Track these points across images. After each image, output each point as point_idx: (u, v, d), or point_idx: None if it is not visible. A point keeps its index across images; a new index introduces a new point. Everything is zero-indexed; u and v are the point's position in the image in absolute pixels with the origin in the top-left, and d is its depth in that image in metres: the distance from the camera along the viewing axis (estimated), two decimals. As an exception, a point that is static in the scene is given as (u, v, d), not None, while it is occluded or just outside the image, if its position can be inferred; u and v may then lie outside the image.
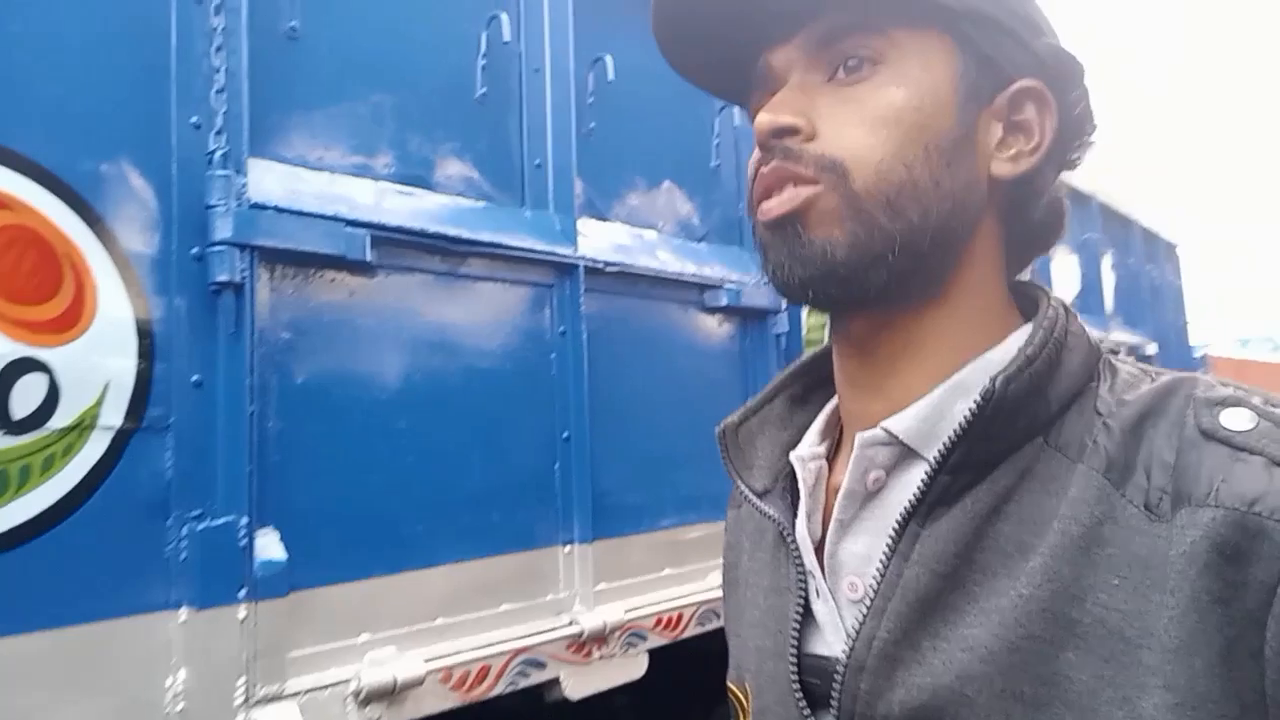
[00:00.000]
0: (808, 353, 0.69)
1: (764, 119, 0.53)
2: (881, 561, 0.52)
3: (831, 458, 0.62)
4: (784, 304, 2.55)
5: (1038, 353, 0.51)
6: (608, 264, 2.10)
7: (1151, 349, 5.32)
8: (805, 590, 0.57)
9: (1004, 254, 0.58)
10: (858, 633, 0.52)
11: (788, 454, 0.62)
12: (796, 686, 0.55)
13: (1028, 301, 0.58)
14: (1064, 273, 4.46)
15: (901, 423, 0.54)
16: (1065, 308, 0.55)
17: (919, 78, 0.53)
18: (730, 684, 0.65)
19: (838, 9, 0.53)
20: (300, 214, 1.57)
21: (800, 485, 0.59)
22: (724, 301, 2.39)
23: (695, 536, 2.30)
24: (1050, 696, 0.45)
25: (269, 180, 1.58)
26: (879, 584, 0.52)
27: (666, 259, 2.29)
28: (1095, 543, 0.46)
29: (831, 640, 0.55)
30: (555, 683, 1.87)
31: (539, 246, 1.95)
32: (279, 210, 1.55)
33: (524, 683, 1.81)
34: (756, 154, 0.55)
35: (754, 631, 0.62)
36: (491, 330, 1.90)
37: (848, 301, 0.54)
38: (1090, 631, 0.45)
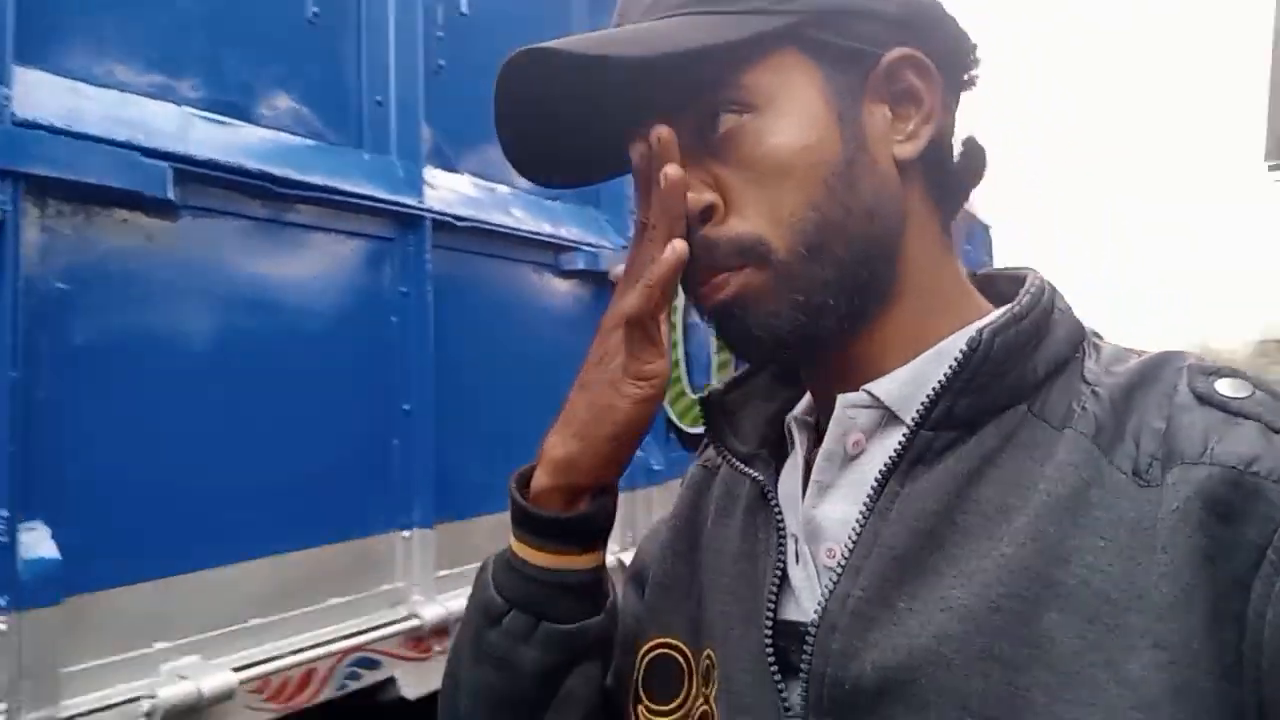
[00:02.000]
0: None
1: (692, 200, 0.52)
2: (859, 520, 0.51)
3: (817, 431, 0.60)
4: (641, 270, 2.43)
5: (1025, 313, 0.51)
6: (458, 218, 1.89)
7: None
8: (784, 554, 0.55)
9: (940, 231, 0.57)
10: (831, 592, 0.50)
11: (771, 423, 0.62)
12: (770, 652, 0.53)
13: (1005, 284, 0.57)
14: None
15: (883, 386, 0.54)
16: (1051, 284, 0.55)
17: (791, 111, 0.52)
18: (673, 639, 0.63)
19: (679, 94, 0.52)
20: (82, 137, 1.28)
21: (796, 444, 0.59)
22: (581, 265, 2.24)
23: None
24: (1031, 658, 0.44)
25: (41, 94, 1.28)
26: (855, 543, 0.51)
27: (521, 217, 2.11)
28: (1081, 505, 0.46)
29: (807, 606, 0.53)
30: (391, 682, 1.69)
31: (380, 195, 1.73)
32: (53, 131, 1.26)
33: (354, 685, 1.61)
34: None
35: (722, 598, 0.60)
36: (320, 288, 1.66)
37: (811, 348, 0.55)
38: (1074, 593, 0.44)
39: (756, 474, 0.59)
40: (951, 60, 0.56)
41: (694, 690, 0.60)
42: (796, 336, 0.52)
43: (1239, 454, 0.44)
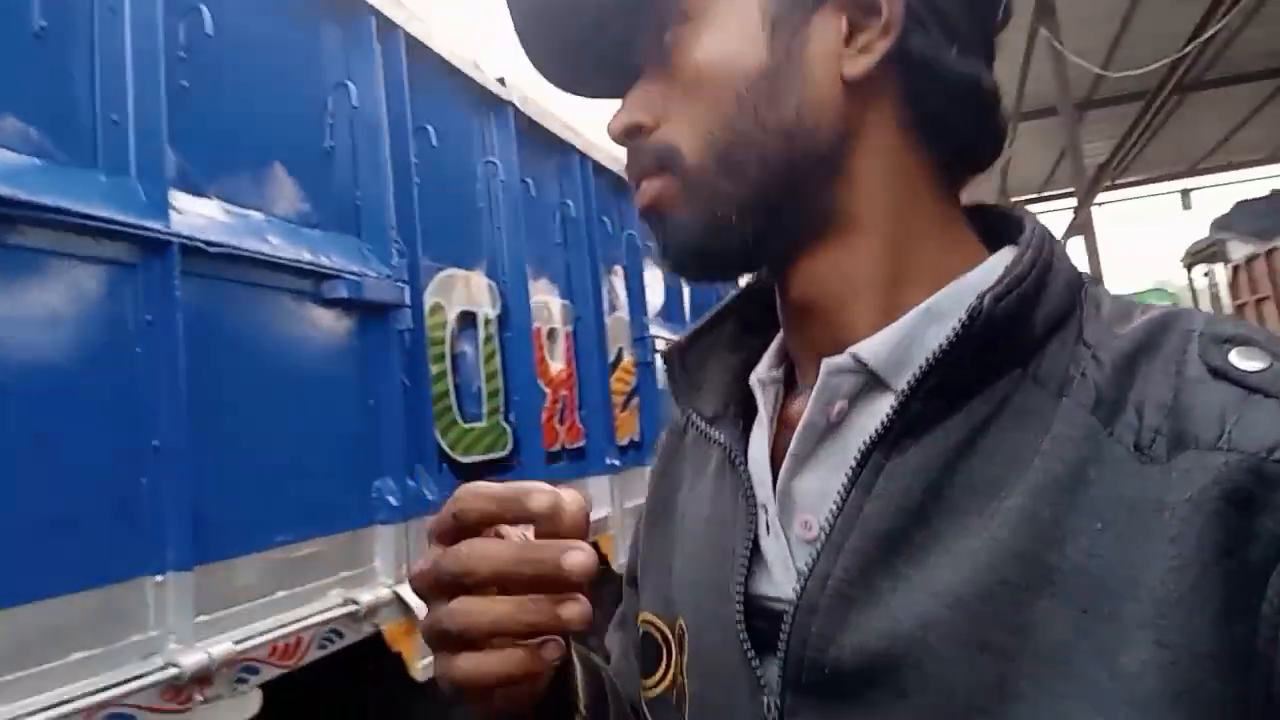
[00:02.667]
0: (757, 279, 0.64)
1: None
2: (840, 495, 0.47)
3: (786, 386, 0.58)
4: (407, 298, 2.43)
5: (1027, 271, 0.47)
6: (209, 244, 1.81)
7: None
8: (755, 525, 0.52)
9: (922, 170, 0.52)
10: (811, 570, 0.47)
11: (738, 378, 0.59)
12: (743, 629, 0.50)
13: (1006, 226, 0.53)
14: (650, 285, 4.81)
15: (871, 348, 0.50)
16: (1047, 229, 0.51)
17: (721, 22, 0.50)
18: (650, 615, 0.60)
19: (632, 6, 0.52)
20: None
21: (761, 409, 0.56)
22: (343, 293, 2.20)
23: (311, 553, 2.08)
24: (1020, 647, 0.41)
25: None
26: (836, 518, 0.47)
27: (278, 244, 2.05)
28: (1079, 483, 0.43)
29: (780, 580, 0.50)
30: (146, 739, 1.56)
31: (119, 218, 1.62)
32: None
33: (103, 746, 1.48)
34: None
35: (692, 565, 0.57)
36: (53, 317, 1.54)
37: (726, 268, 0.54)
38: (1068, 579, 0.41)
39: (723, 439, 0.56)
40: None
41: (673, 660, 0.57)
42: (702, 244, 0.51)
43: (1259, 439, 0.40)
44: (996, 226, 0.54)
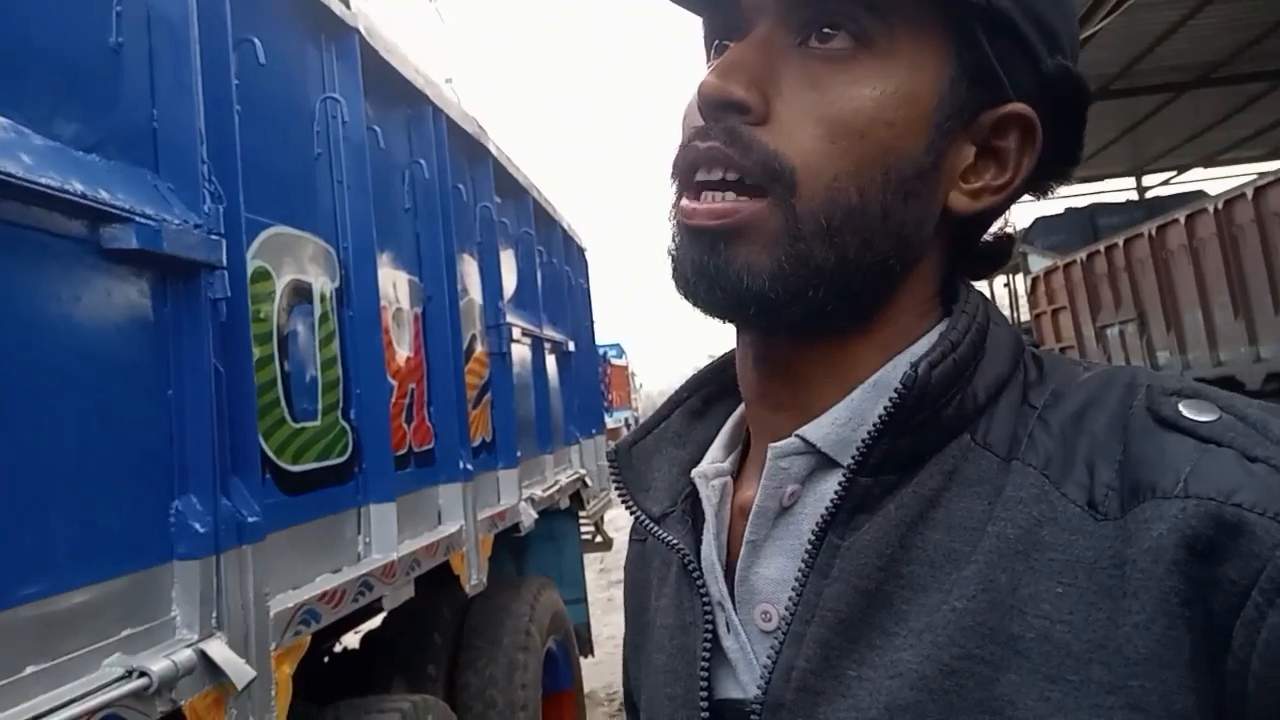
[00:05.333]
0: (706, 363, 0.64)
1: (712, 85, 0.48)
2: (798, 581, 0.48)
3: (737, 475, 0.58)
4: (224, 258, 1.82)
5: (961, 337, 0.48)
6: (-88, 147, 1.18)
7: (571, 346, 5.54)
8: (713, 625, 0.52)
9: (940, 278, 0.54)
10: (774, 664, 0.48)
11: (685, 474, 0.58)
12: None
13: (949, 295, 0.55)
14: (505, 267, 4.31)
15: (819, 429, 0.51)
16: (984, 296, 0.52)
17: (902, 82, 0.47)
18: None
19: None
20: None
21: (705, 505, 0.56)
22: (133, 242, 1.58)
23: (77, 605, 1.46)
24: None
25: None
26: (795, 607, 0.48)
27: (32, 165, 1.41)
28: (1034, 547, 0.44)
29: (745, 680, 0.50)
30: None
31: None
32: None
33: None
34: (695, 109, 0.50)
35: (663, 679, 0.56)
36: None
37: (761, 329, 0.52)
38: (1033, 648, 0.42)
39: (672, 539, 0.56)
40: (1053, 153, 0.52)
41: None
42: (762, 304, 0.48)
43: (1217, 485, 0.41)
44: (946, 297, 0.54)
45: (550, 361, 5.08)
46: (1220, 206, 7.98)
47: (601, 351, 8.26)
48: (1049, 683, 0.41)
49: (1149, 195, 16.61)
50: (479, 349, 3.75)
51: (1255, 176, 7.87)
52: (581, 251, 6.59)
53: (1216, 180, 16.19)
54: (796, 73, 0.48)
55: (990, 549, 0.44)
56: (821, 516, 0.48)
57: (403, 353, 2.99)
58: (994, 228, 0.56)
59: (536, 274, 4.86)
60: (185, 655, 1.60)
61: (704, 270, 0.48)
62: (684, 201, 0.49)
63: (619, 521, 8.93)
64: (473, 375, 3.61)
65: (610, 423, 11.33)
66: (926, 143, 0.48)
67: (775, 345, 0.53)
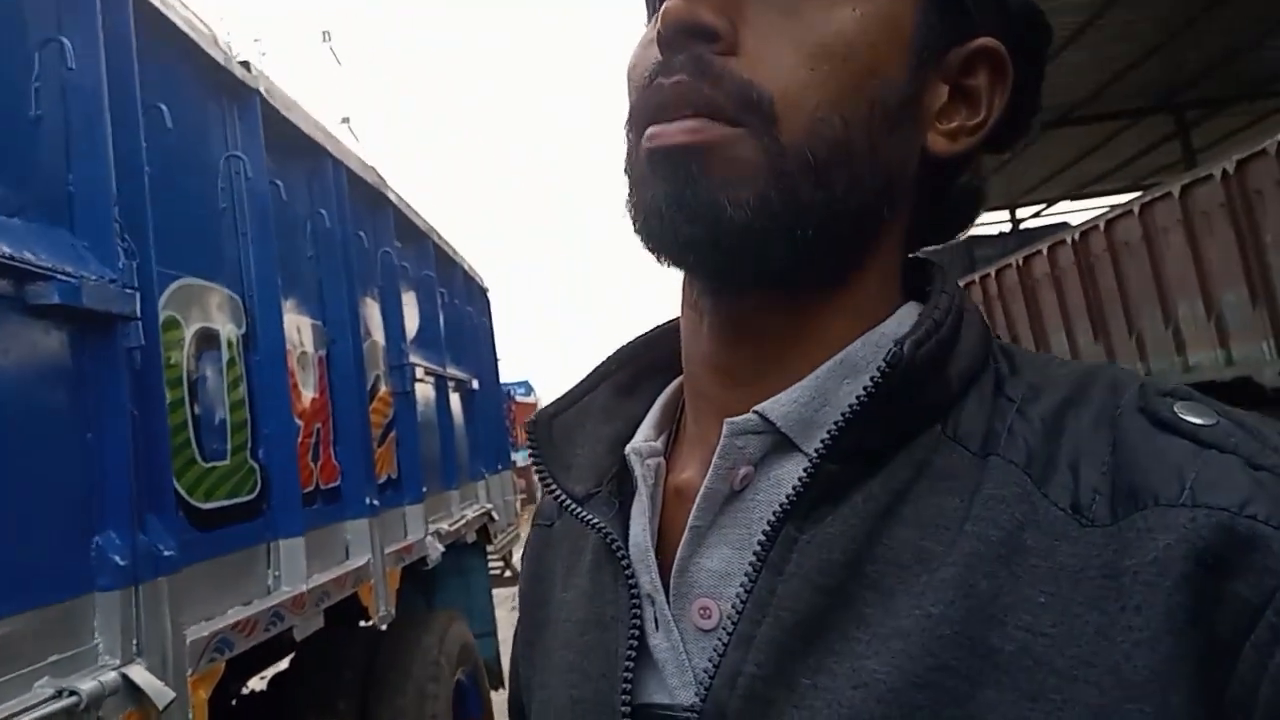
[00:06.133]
0: (633, 338, 0.58)
1: (678, 8, 0.41)
2: (748, 576, 0.43)
3: (669, 454, 0.52)
4: (138, 309, 1.97)
5: (944, 318, 0.44)
6: None
7: (475, 384, 5.69)
8: (640, 620, 0.46)
9: (908, 234, 0.50)
10: (716, 668, 0.42)
11: (612, 451, 0.53)
12: None
13: (913, 273, 0.51)
14: (407, 309, 4.47)
15: (778, 407, 0.45)
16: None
17: (880, 3, 0.43)
18: None
19: None
20: None
21: (639, 485, 0.49)
22: (55, 298, 1.73)
23: (12, 630, 1.58)
24: None
25: None
26: (744, 605, 0.42)
27: (-37, 230, 1.56)
28: (1016, 551, 0.39)
29: (675, 685, 0.44)
30: None
31: None
32: None
33: None
34: (652, 51, 0.44)
35: (567, 679, 0.49)
36: None
37: (733, 276, 0.46)
38: (1013, 662, 0.37)
39: (597, 520, 0.49)
40: (1020, 99, 0.49)
41: None
42: (742, 239, 0.42)
43: (1229, 495, 0.37)
44: (906, 275, 0.51)
45: (454, 399, 5.23)
46: (1077, 238, 8.65)
47: (508, 389, 8.38)
48: (1029, 701, 0.36)
49: (1022, 227, 17.71)
50: (383, 389, 3.89)
51: (1107, 209, 8.58)
52: (483, 291, 6.76)
53: (1083, 212, 17.43)
54: (786, 9, 0.43)
55: (969, 551, 0.39)
56: (780, 505, 0.42)
57: (308, 394, 3.13)
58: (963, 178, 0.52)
59: (439, 315, 5.02)
60: (110, 677, 1.73)
61: (679, 198, 0.41)
62: (651, 128, 0.42)
63: (529, 557, 8.95)
64: (377, 414, 3.75)
65: (519, 460, 11.39)
66: (909, 71, 0.44)
67: (742, 303, 0.47)
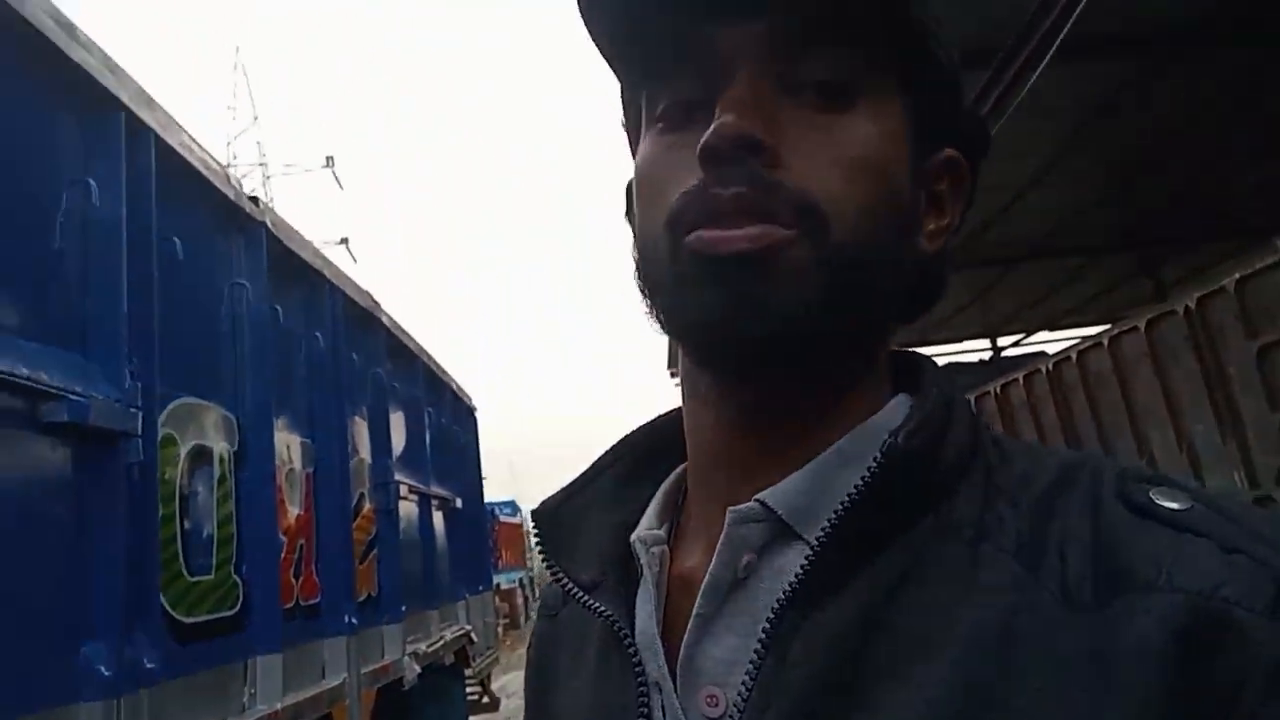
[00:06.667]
0: (635, 427, 0.60)
1: (730, 123, 0.43)
2: (753, 664, 0.43)
3: (671, 543, 0.53)
4: (140, 427, 2.09)
5: (934, 410, 0.46)
6: (-98, 345, 1.45)
7: (458, 503, 5.73)
8: (647, 708, 0.46)
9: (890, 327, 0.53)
10: None
11: (617, 539, 0.53)
12: None
13: (902, 367, 0.53)
14: (394, 427, 4.58)
15: (779, 495, 0.46)
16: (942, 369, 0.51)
17: (888, 122, 0.47)
18: None
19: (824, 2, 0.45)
20: None
21: (645, 573, 0.50)
22: (65, 416, 1.85)
23: (-11, 743, 1.63)
24: None
25: None
26: (749, 693, 0.42)
27: (-13, 353, 1.69)
28: (1011, 638, 0.40)
29: None
30: None
31: None
32: None
33: None
34: (680, 157, 0.46)
35: None
36: None
37: (798, 374, 0.47)
38: None
39: (604, 608, 0.49)
40: (967, 199, 0.53)
41: None
42: (810, 334, 0.44)
43: (1202, 578, 0.38)
44: (896, 369, 0.54)
45: (437, 518, 5.27)
46: (1051, 367, 8.86)
47: (492, 509, 8.35)
48: None
49: (1003, 355, 18.06)
50: (367, 506, 3.96)
51: (1079, 340, 8.81)
52: (470, 411, 6.88)
53: (1060, 342, 17.85)
54: (796, 115, 0.45)
55: (967, 638, 0.40)
56: (783, 594, 0.43)
57: (294, 510, 3.20)
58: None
59: (425, 434, 5.12)
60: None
61: (744, 298, 0.43)
62: (703, 232, 0.43)
63: (511, 686, 8.71)
64: (360, 532, 3.81)
65: (503, 583, 11.08)
66: (911, 181, 0.48)
67: (760, 398, 0.48)
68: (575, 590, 0.51)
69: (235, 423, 2.81)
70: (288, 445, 3.22)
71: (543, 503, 0.56)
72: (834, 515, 0.44)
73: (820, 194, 0.44)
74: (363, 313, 4.18)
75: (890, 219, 0.47)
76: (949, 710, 0.39)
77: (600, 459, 0.59)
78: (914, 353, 0.54)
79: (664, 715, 0.46)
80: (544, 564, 0.54)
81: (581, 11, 0.49)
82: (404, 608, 4.15)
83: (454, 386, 6.23)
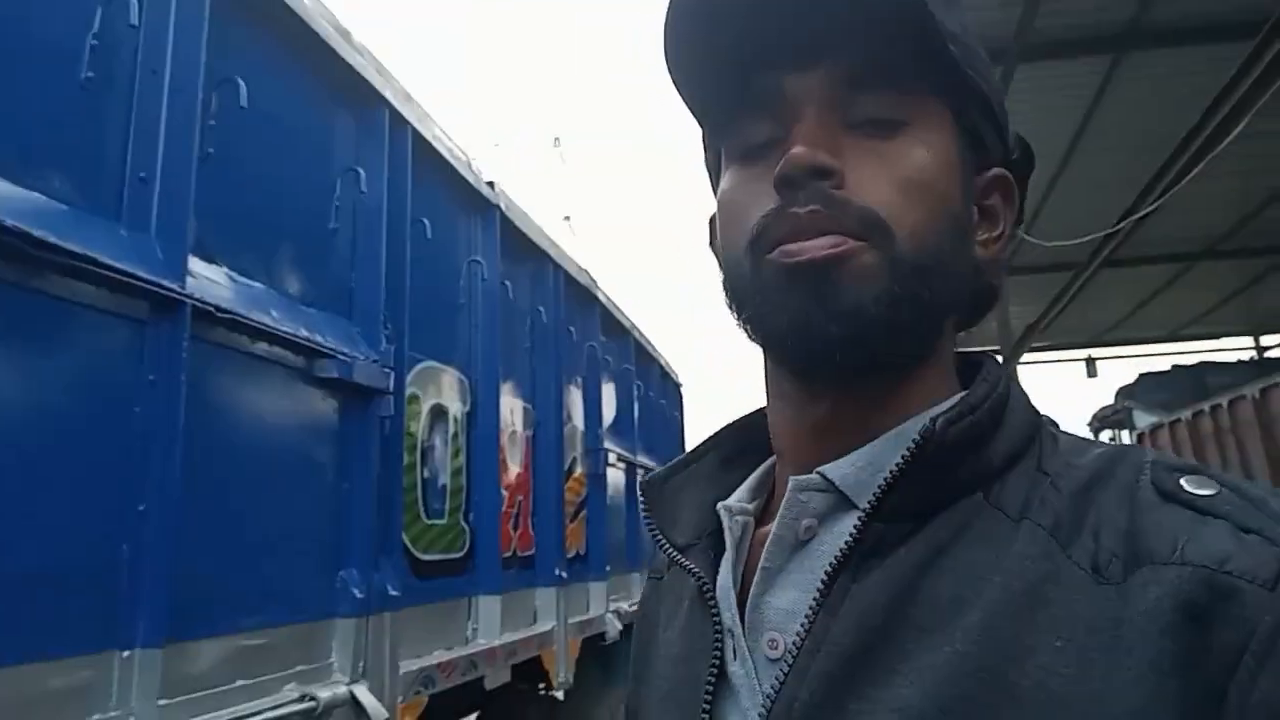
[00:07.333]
0: (734, 419, 0.66)
1: (803, 153, 0.49)
2: (807, 617, 0.48)
3: (761, 518, 0.58)
4: (391, 385, 2.39)
5: (979, 402, 0.50)
6: (220, 309, 1.78)
7: (664, 474, 5.93)
8: (721, 651, 0.52)
9: (955, 326, 0.58)
10: (776, 694, 0.48)
11: (712, 512, 0.59)
12: None
13: (968, 369, 0.58)
14: (605, 399, 4.84)
15: (838, 469, 0.52)
16: (1007, 373, 0.55)
17: (940, 146, 0.53)
18: None
19: (875, 45, 0.51)
20: None
21: (726, 535, 0.57)
22: (334, 373, 2.17)
23: (270, 641, 1.96)
24: None
25: None
26: (803, 641, 0.48)
27: (278, 317, 2.02)
28: (1038, 601, 0.44)
29: (747, 706, 0.50)
30: (89, 834, 1.42)
31: (140, 274, 1.59)
32: None
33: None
34: (759, 188, 0.52)
35: (663, 705, 0.56)
36: (57, 366, 1.48)
37: (867, 367, 0.51)
38: (1029, 695, 0.42)
39: (693, 565, 0.56)
40: (1018, 211, 0.59)
41: None
42: (881, 332, 0.49)
43: (1211, 553, 0.42)
44: (963, 372, 0.58)
45: (643, 487, 5.49)
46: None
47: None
48: None
49: (1267, 355, 16.17)
50: (578, 470, 4.24)
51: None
52: (677, 387, 7.10)
53: (1340, 342, 15.71)
54: (855, 145, 0.51)
55: (995, 599, 0.45)
56: (835, 557, 0.49)
57: (514, 469, 3.51)
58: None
59: (633, 406, 5.37)
60: (341, 691, 2.08)
61: (822, 302, 0.49)
62: (784, 246, 0.49)
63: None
64: (571, 493, 4.09)
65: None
66: (964, 196, 0.54)
67: (837, 393, 0.54)
68: (670, 550, 0.58)
69: (468, 386, 3.13)
70: (511, 409, 3.52)
71: (650, 475, 0.63)
72: (878, 489, 0.49)
73: (884, 209, 0.50)
74: (581, 290, 4.46)
75: (947, 230, 0.52)
76: (974, 659, 0.44)
77: (703, 444, 0.66)
78: (980, 353, 0.59)
79: (734, 656, 0.52)
80: (647, 528, 0.61)
81: (671, 73, 0.56)
82: (608, 567, 4.42)
83: (662, 363, 6.46)
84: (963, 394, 0.52)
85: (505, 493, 3.36)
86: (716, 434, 0.66)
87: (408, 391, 2.64)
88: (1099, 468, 0.49)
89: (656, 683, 0.59)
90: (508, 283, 3.46)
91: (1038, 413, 0.55)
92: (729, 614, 0.53)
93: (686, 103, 0.58)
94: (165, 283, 1.65)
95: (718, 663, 0.52)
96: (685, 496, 0.62)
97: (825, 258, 0.48)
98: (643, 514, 0.61)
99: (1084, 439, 0.54)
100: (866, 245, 0.49)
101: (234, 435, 1.89)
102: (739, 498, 0.59)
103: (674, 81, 0.56)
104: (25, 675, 1.36)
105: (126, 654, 1.53)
